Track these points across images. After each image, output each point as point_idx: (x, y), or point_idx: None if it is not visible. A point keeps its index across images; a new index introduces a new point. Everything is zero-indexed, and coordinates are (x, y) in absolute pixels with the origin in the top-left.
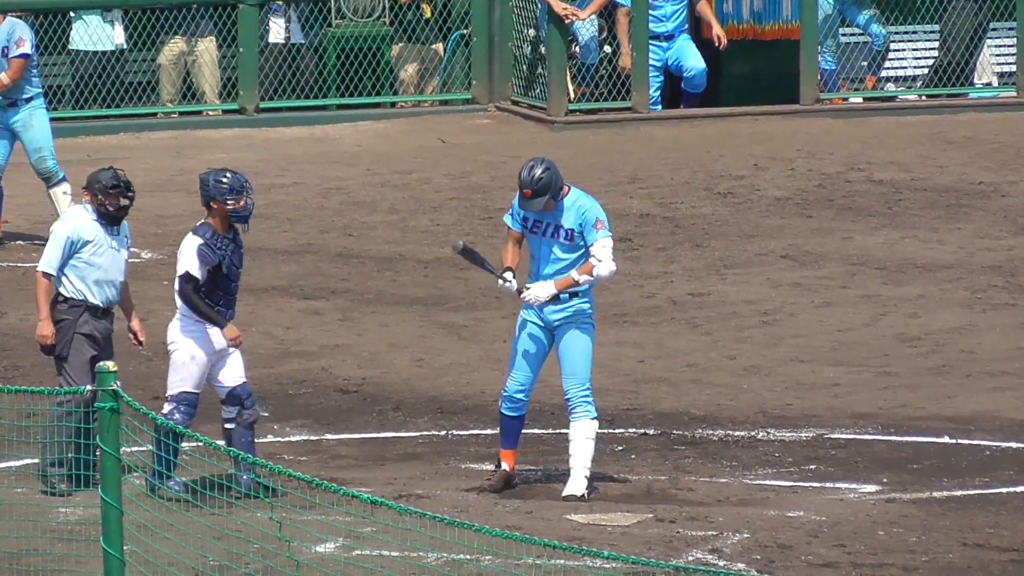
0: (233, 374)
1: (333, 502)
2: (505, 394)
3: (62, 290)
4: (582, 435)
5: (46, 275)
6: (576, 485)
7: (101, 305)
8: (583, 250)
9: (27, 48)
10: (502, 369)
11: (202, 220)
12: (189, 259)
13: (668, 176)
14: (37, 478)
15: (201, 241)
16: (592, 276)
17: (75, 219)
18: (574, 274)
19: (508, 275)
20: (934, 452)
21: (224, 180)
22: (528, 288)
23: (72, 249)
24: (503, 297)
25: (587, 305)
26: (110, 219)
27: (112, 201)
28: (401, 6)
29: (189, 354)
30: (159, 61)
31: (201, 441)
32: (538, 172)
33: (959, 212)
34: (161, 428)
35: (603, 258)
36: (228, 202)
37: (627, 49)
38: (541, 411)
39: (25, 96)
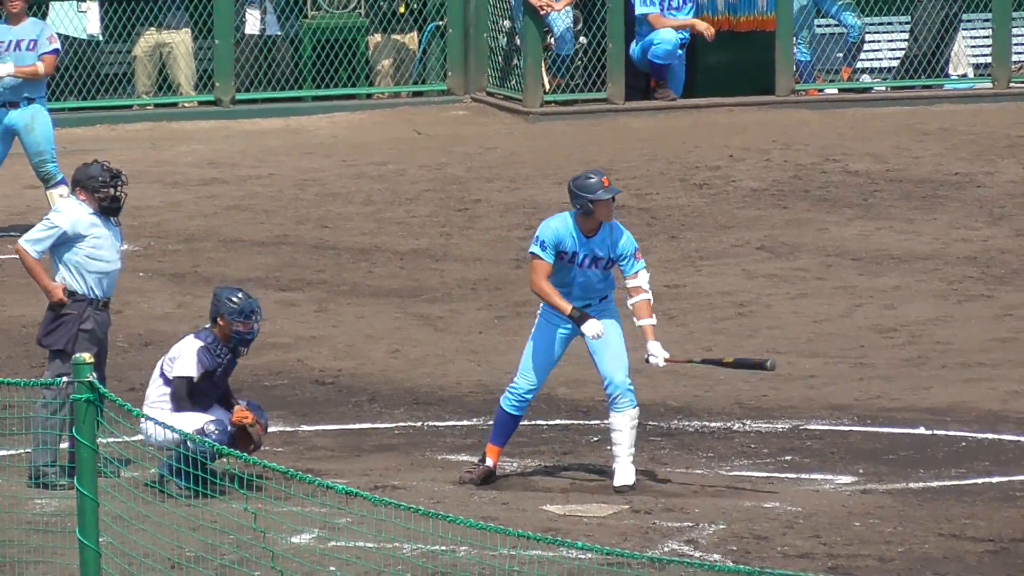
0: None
1: (309, 493)
2: (514, 391)
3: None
4: (627, 424)
5: (28, 252)
6: (626, 475)
7: (102, 298)
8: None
9: (57, 44)
10: (478, 360)
11: (207, 326)
12: (188, 363)
13: (643, 167)
14: (30, 478)
15: (202, 344)
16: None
17: (71, 212)
18: (649, 328)
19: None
20: (910, 443)
21: (235, 300)
22: (651, 356)
23: (62, 240)
24: (479, 288)
25: (613, 301)
26: (110, 211)
27: (108, 193)
28: None
29: (184, 418)
30: (134, 53)
31: (229, 454)
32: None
33: (934, 203)
34: (187, 442)
35: (648, 289)
36: (235, 324)
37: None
38: None
39: (27, 96)
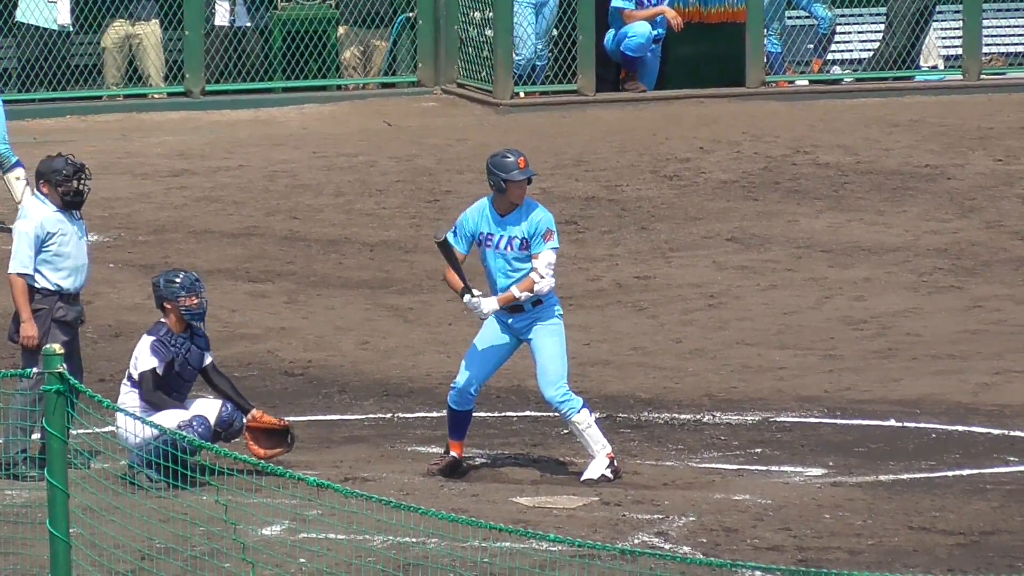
0: (211, 409)
1: (279, 485)
2: (456, 387)
3: (33, 283)
4: (578, 430)
5: (21, 275)
6: (592, 470)
7: (73, 292)
8: None
9: None
10: (448, 352)
11: (160, 320)
12: (145, 358)
13: (614, 159)
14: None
15: (154, 338)
16: (532, 292)
17: (36, 213)
18: (514, 290)
19: (472, 294)
20: (880, 435)
21: (176, 280)
22: (475, 298)
23: (40, 244)
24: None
25: (553, 305)
26: (73, 205)
27: (71, 187)
28: None
29: (164, 416)
30: (104, 44)
31: (214, 450)
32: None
33: (905, 195)
34: (166, 435)
35: (545, 274)
36: (181, 300)
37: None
38: (487, 395)
39: None
